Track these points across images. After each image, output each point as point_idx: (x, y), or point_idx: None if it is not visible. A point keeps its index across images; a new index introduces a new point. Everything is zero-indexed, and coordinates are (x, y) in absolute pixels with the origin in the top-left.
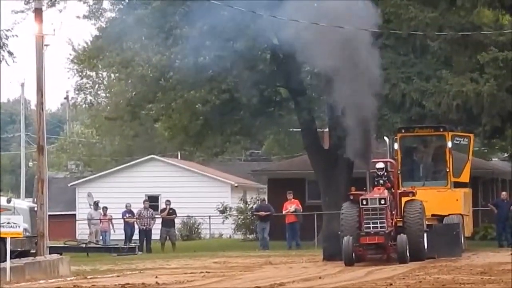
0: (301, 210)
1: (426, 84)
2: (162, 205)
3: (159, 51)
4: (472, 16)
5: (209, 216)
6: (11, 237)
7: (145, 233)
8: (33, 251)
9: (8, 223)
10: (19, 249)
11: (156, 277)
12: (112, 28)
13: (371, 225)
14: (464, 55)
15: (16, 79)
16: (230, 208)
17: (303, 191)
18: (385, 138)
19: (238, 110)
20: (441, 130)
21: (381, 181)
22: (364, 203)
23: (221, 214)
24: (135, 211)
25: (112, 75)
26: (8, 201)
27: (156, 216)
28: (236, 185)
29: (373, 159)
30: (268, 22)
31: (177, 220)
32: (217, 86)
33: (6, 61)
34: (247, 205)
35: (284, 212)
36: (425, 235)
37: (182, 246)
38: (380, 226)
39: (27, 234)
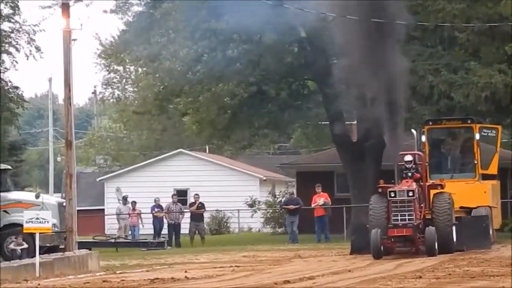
0: (330, 203)
1: (454, 76)
2: (190, 199)
3: (187, 45)
4: (500, 7)
5: (238, 210)
6: (39, 233)
7: (174, 228)
8: (62, 246)
9: (37, 218)
10: (48, 245)
11: (186, 271)
12: (139, 22)
13: (399, 218)
14: (492, 46)
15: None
16: (259, 201)
17: (331, 184)
18: (413, 130)
19: (266, 103)
20: (469, 122)
21: (409, 174)
22: (392, 195)
23: (250, 208)
24: (164, 205)
25: (140, 69)
26: (37, 196)
27: (185, 210)
28: (264, 178)
29: (401, 152)
30: (296, 14)
31: (206, 214)
32: (245, 80)
33: (33, 56)
34: (276, 199)
35: (313, 205)
36: (453, 227)
37: (211, 240)
38: (408, 219)
39: (56, 229)
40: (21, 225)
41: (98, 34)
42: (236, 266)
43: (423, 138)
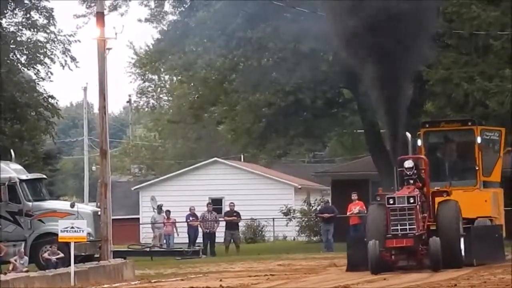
0: (365, 211)
1: (488, 83)
2: (225, 207)
3: (222, 54)
4: None
5: (273, 218)
6: (75, 242)
7: (209, 236)
8: (97, 255)
9: (72, 227)
10: (83, 254)
11: (221, 280)
12: (173, 31)
13: (399, 227)
14: None
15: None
16: (294, 210)
17: (367, 192)
18: (407, 134)
19: (301, 112)
20: (469, 124)
21: (411, 180)
22: (391, 202)
23: (285, 216)
24: (198, 214)
25: (175, 78)
26: (72, 205)
27: (220, 219)
28: (299, 187)
29: (401, 156)
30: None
31: (241, 223)
32: (281, 88)
33: (69, 66)
34: (311, 207)
35: (348, 213)
36: (461, 239)
37: (246, 248)
38: (409, 228)
39: (91, 238)
40: (56, 234)
41: (132, 43)
42: (271, 274)
43: (419, 142)
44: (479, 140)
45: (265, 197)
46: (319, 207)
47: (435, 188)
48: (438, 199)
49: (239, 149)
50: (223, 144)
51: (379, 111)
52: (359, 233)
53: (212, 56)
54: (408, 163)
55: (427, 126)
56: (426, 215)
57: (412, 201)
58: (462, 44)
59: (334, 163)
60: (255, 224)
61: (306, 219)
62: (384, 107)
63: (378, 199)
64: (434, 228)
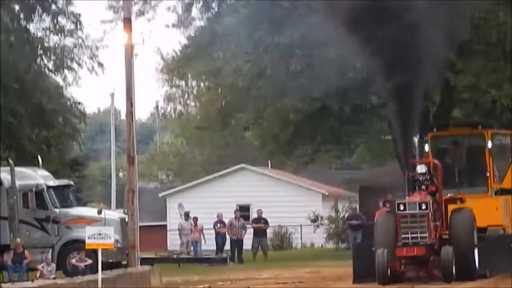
0: None
1: None
2: (253, 214)
3: (249, 60)
4: None
5: (301, 225)
6: (102, 249)
7: (237, 243)
8: (124, 262)
9: (99, 234)
10: (110, 261)
11: (248, 287)
12: (200, 37)
13: (409, 235)
14: None
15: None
16: (322, 217)
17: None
18: (414, 138)
19: (329, 118)
20: (479, 127)
21: (423, 186)
22: (402, 208)
23: (312, 223)
24: (226, 221)
25: (202, 84)
26: (99, 212)
27: (247, 226)
28: (327, 193)
29: (414, 161)
30: None
31: (268, 230)
32: (308, 95)
33: (96, 72)
34: (339, 214)
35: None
36: (476, 249)
37: (273, 256)
38: (420, 236)
39: (118, 245)
40: (84, 241)
41: (160, 49)
42: (299, 282)
43: (426, 148)
44: (489, 144)
45: (293, 204)
46: (347, 214)
47: (448, 194)
48: (451, 207)
49: (266, 155)
50: (250, 151)
51: (389, 114)
52: (366, 241)
53: (239, 62)
54: (421, 168)
55: (435, 130)
56: (438, 223)
57: (424, 207)
58: (490, 50)
59: (362, 169)
60: (282, 231)
61: (333, 226)
62: (394, 110)
63: (387, 206)
64: (447, 237)
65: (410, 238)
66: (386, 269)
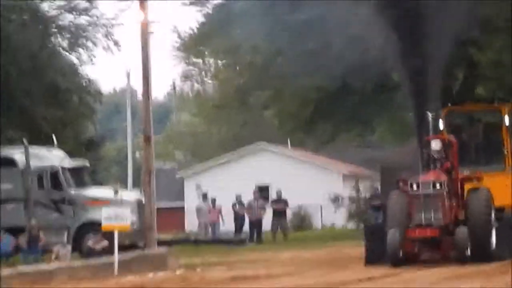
0: None
1: None
2: (272, 195)
3: (267, 37)
4: None
5: (321, 205)
6: (118, 230)
7: (256, 224)
8: (141, 244)
9: (116, 216)
10: (127, 242)
11: (267, 268)
12: (218, 14)
13: (423, 216)
14: None
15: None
16: (342, 197)
17: None
18: (428, 113)
19: (349, 96)
20: (496, 103)
21: (438, 164)
22: (415, 188)
23: (333, 204)
24: (245, 202)
25: (219, 62)
26: (115, 193)
27: (267, 206)
28: (347, 173)
29: (428, 136)
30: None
31: (288, 211)
32: (329, 73)
33: (111, 50)
34: (360, 194)
35: None
36: (493, 230)
37: (293, 236)
38: (434, 217)
39: (135, 227)
40: (99, 223)
41: (176, 26)
42: (318, 262)
43: (441, 124)
44: (507, 120)
45: (313, 183)
46: (368, 194)
47: (464, 173)
48: (467, 186)
49: (286, 134)
50: (268, 130)
51: (404, 89)
52: (379, 223)
53: (257, 40)
54: (436, 144)
55: (450, 105)
56: (454, 203)
57: (439, 186)
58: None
59: (384, 148)
60: (302, 211)
61: (354, 206)
62: (409, 83)
63: (400, 185)
64: (462, 218)
65: (423, 218)
66: (398, 251)
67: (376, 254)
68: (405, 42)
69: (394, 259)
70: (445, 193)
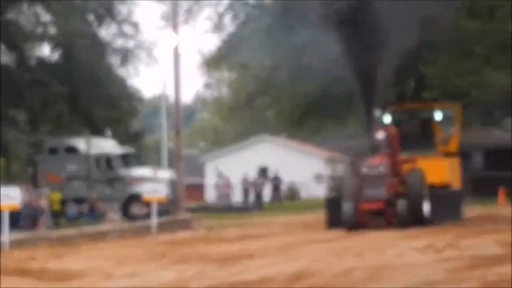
0: None
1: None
2: (271, 174)
3: (269, 56)
4: None
5: (307, 182)
6: (156, 201)
7: (259, 196)
8: (173, 211)
9: (154, 189)
10: (162, 210)
11: (267, 228)
12: (231, 39)
13: (371, 192)
14: None
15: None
16: (323, 176)
17: None
18: (377, 112)
19: (330, 101)
20: (429, 102)
21: (383, 150)
22: (365, 170)
23: (316, 180)
24: (250, 179)
25: (233, 74)
26: (154, 173)
27: (267, 182)
28: (328, 158)
29: (374, 128)
30: None
31: (282, 186)
32: (315, 83)
33: (152, 66)
34: (336, 173)
35: None
36: (425, 200)
37: (286, 205)
38: (379, 193)
39: (168, 198)
40: (142, 195)
41: (200, 48)
42: (306, 224)
43: (387, 119)
44: (437, 115)
45: (302, 165)
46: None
47: (403, 156)
48: (406, 166)
49: (282, 129)
50: (269, 125)
51: (356, 89)
52: (335, 195)
53: (261, 58)
54: (380, 134)
55: (395, 104)
56: (395, 181)
57: (382, 169)
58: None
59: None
60: (293, 186)
61: (333, 182)
62: (360, 84)
63: (352, 165)
64: (402, 192)
65: (371, 194)
66: (352, 218)
67: (334, 220)
68: (359, 55)
69: (349, 225)
70: (387, 173)
